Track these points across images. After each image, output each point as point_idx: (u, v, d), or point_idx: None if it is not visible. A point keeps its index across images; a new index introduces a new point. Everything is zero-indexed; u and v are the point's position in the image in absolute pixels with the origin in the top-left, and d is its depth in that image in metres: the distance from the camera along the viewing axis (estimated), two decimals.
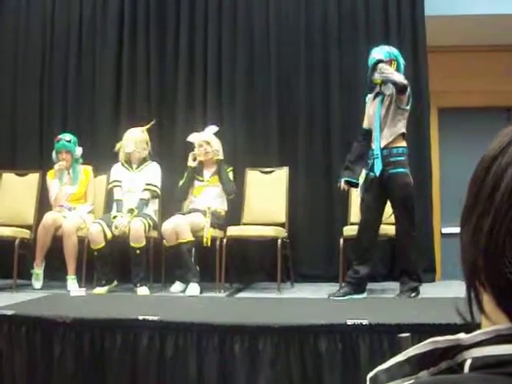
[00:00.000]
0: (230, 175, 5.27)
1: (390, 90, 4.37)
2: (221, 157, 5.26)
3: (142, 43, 5.99)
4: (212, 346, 2.67)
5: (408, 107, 4.41)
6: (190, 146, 5.34)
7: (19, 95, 6.07)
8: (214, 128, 5.34)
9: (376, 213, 4.41)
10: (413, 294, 4.28)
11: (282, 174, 5.50)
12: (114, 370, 2.75)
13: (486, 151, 0.61)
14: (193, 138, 5.33)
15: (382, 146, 4.35)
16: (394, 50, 4.53)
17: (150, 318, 2.78)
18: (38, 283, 5.16)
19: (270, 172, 5.55)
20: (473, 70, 6.51)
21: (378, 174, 4.31)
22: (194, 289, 4.80)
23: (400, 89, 4.28)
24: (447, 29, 5.99)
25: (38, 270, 5.18)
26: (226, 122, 5.72)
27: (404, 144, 4.42)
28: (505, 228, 0.55)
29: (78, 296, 3.92)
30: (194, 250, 4.95)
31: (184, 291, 4.90)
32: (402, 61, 4.54)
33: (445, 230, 6.20)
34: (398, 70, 4.45)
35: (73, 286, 4.91)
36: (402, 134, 4.41)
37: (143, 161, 5.35)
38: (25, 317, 2.92)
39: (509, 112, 6.46)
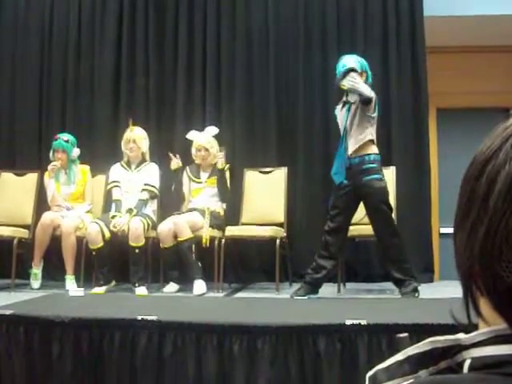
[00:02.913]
0: (228, 181, 5.26)
1: (355, 97, 4.39)
2: (219, 163, 5.22)
3: (141, 43, 5.99)
4: (211, 345, 2.67)
5: (375, 114, 4.44)
6: (189, 141, 5.34)
7: (18, 95, 6.07)
8: (214, 130, 5.33)
9: (346, 219, 4.48)
10: (416, 294, 4.30)
11: (280, 174, 5.50)
12: (112, 370, 2.75)
13: (477, 153, 0.60)
14: (192, 136, 5.33)
15: (348, 153, 4.38)
16: (364, 62, 4.50)
17: (149, 317, 2.78)
18: (36, 283, 5.16)
19: (269, 172, 5.55)
20: (471, 71, 6.52)
21: (344, 181, 4.36)
22: (199, 285, 4.81)
23: (364, 100, 4.31)
24: (446, 29, 5.99)
25: (37, 270, 5.17)
26: (224, 122, 5.72)
27: (375, 151, 4.45)
28: (500, 233, 0.55)
29: (76, 296, 3.91)
30: (194, 246, 4.96)
31: (178, 292, 4.91)
32: (370, 73, 4.52)
33: (443, 230, 6.20)
34: (366, 81, 4.43)
35: (71, 286, 4.91)
36: (371, 141, 4.43)
37: (142, 161, 5.35)
38: (23, 317, 2.91)
39: (507, 112, 6.47)
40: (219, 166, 5.18)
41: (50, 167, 5.30)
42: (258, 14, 5.92)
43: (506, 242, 0.54)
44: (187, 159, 5.46)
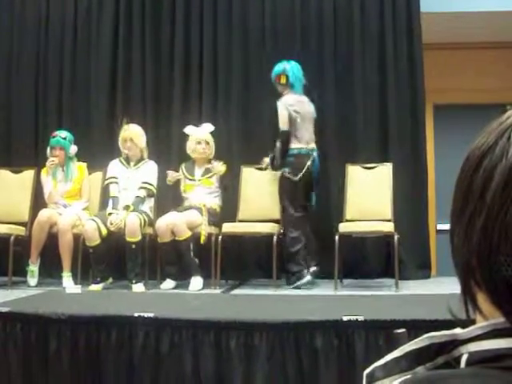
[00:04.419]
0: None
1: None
2: (212, 155, 5.32)
3: (138, 41, 5.98)
4: (208, 342, 2.67)
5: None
6: (185, 138, 5.35)
7: (14, 92, 6.05)
8: (210, 126, 5.35)
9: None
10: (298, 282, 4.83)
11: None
12: (109, 366, 2.75)
13: (472, 148, 0.60)
14: (190, 131, 5.33)
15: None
16: (287, 66, 5.06)
17: (146, 314, 2.78)
18: (33, 280, 5.15)
19: (265, 169, 5.54)
20: (468, 67, 6.52)
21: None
22: (196, 282, 4.84)
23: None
24: (443, 26, 5.99)
25: (33, 267, 5.17)
26: (221, 119, 5.71)
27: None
28: (498, 226, 0.55)
29: (73, 293, 3.91)
30: (192, 244, 4.97)
31: (175, 288, 4.92)
32: (296, 73, 5.06)
33: (440, 227, 6.20)
34: (287, 82, 5.08)
35: (68, 283, 4.90)
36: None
37: (141, 159, 5.34)
38: (20, 314, 2.91)
39: (504, 108, 6.46)
40: (216, 170, 5.23)
41: (48, 163, 5.29)
42: (255, 12, 5.90)
43: (504, 236, 0.54)
44: (184, 156, 5.45)
